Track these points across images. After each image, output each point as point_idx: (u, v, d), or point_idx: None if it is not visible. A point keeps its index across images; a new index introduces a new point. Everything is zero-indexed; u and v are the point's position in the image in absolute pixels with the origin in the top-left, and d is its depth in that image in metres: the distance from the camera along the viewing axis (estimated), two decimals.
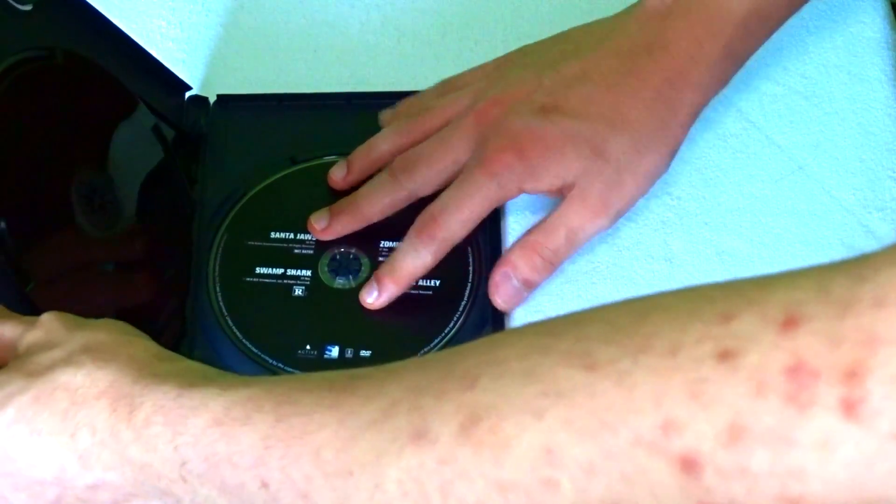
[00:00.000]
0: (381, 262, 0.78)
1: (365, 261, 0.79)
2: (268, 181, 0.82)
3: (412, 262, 0.76)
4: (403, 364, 0.55)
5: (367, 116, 0.85)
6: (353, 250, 0.79)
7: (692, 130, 0.85)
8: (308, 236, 0.80)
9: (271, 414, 0.53)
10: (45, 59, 0.71)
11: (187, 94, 0.85)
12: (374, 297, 0.77)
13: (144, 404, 0.56)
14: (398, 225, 0.80)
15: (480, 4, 0.91)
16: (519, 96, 0.77)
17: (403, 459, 0.50)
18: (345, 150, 0.83)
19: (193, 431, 0.54)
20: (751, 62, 0.87)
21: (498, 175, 0.75)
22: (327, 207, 0.80)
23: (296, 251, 0.79)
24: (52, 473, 0.57)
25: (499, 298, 0.77)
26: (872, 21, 0.90)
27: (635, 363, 0.47)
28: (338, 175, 0.81)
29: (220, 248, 0.79)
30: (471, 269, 0.79)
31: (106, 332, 0.60)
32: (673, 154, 0.78)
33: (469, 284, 0.79)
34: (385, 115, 0.83)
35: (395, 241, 0.79)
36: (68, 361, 0.58)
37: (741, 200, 0.83)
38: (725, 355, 0.46)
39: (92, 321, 0.62)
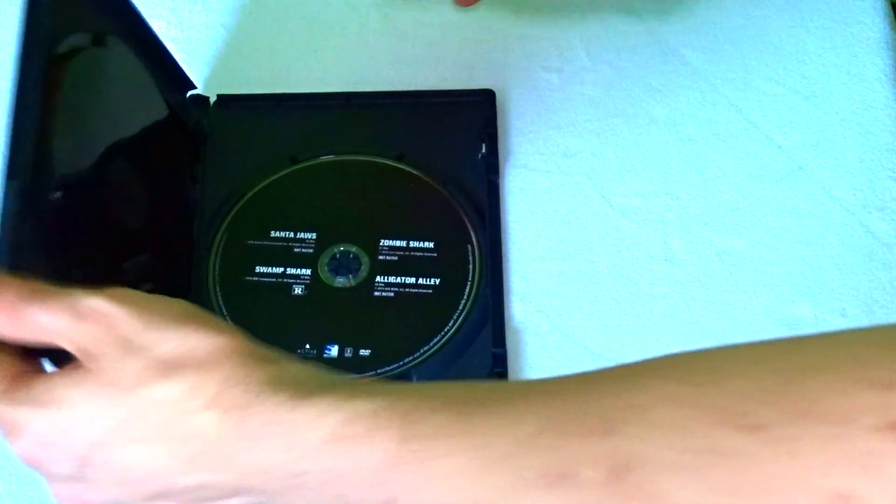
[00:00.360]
0: (381, 260, 0.78)
1: (365, 260, 0.79)
2: (268, 181, 0.82)
3: None
4: (529, 388, 0.53)
5: (367, 116, 0.85)
6: (353, 249, 0.79)
7: (692, 130, 0.85)
8: (308, 235, 0.80)
9: (396, 432, 0.52)
10: (92, 43, 0.70)
11: (188, 94, 0.85)
12: None
13: (257, 415, 0.53)
14: (399, 224, 0.80)
15: (480, 4, 0.91)
16: None
17: (546, 498, 0.50)
18: (345, 150, 0.83)
19: (312, 445, 0.53)
20: (751, 62, 0.88)
21: None
22: None
23: (296, 250, 0.79)
24: (156, 473, 0.55)
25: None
26: (872, 21, 0.90)
27: (804, 430, 0.46)
28: None
29: (220, 248, 0.79)
30: (471, 268, 0.79)
31: (193, 332, 0.56)
32: None
33: (469, 284, 0.79)
34: None
35: (396, 239, 0.79)
36: (164, 373, 0.54)
37: (741, 200, 0.83)
38: (894, 426, 0.45)
39: (165, 309, 0.56)
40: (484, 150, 0.83)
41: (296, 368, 0.55)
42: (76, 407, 0.55)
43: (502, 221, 0.82)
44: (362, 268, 0.79)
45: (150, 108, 0.77)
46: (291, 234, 0.80)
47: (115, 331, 0.55)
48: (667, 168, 0.84)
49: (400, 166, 0.83)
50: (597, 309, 0.79)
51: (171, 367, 0.54)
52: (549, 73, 0.87)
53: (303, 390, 0.54)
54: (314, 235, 0.80)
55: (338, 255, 0.79)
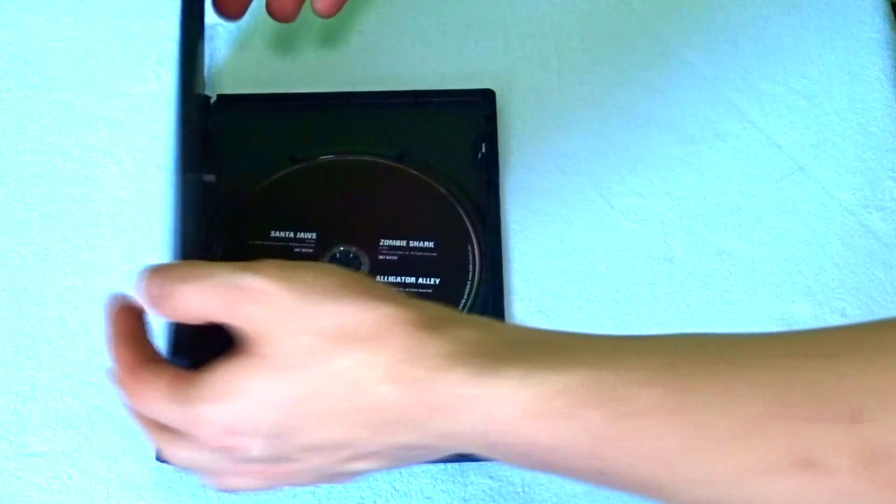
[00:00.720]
0: (381, 260, 0.78)
1: (365, 259, 0.79)
2: (268, 181, 0.82)
3: None
4: (741, 356, 0.52)
5: (367, 116, 0.85)
6: (353, 249, 0.79)
7: (692, 129, 0.85)
8: (308, 235, 0.80)
9: (598, 410, 0.51)
10: None
11: None
12: None
13: (438, 389, 0.53)
14: (399, 224, 0.80)
15: (480, 4, 0.91)
16: None
17: (789, 483, 0.49)
18: (345, 150, 0.83)
19: (507, 421, 0.52)
20: (751, 62, 0.88)
21: None
22: None
23: (296, 250, 0.79)
24: (346, 443, 0.55)
25: (319, 9, 0.76)
26: (872, 21, 0.90)
27: None
28: None
29: (221, 248, 0.79)
30: (471, 268, 0.79)
31: (352, 304, 0.55)
32: None
33: (469, 284, 0.79)
34: None
35: (396, 239, 0.79)
36: (331, 350, 0.55)
37: (741, 200, 0.83)
38: None
39: (321, 284, 0.56)
40: (484, 150, 0.83)
41: (469, 334, 0.54)
42: (255, 391, 0.55)
43: (502, 221, 0.82)
44: (362, 267, 0.79)
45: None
46: (291, 235, 0.80)
47: (275, 308, 0.55)
48: (667, 168, 0.84)
49: (400, 166, 0.83)
50: (597, 309, 0.79)
51: (337, 342, 0.54)
52: (549, 73, 0.87)
53: (484, 363, 0.53)
54: (314, 235, 0.80)
55: (338, 255, 0.79)
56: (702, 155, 0.85)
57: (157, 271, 0.59)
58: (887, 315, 0.78)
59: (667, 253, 0.81)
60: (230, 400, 0.56)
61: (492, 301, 0.78)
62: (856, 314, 0.79)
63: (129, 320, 0.62)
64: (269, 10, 0.77)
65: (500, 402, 0.52)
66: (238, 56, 0.89)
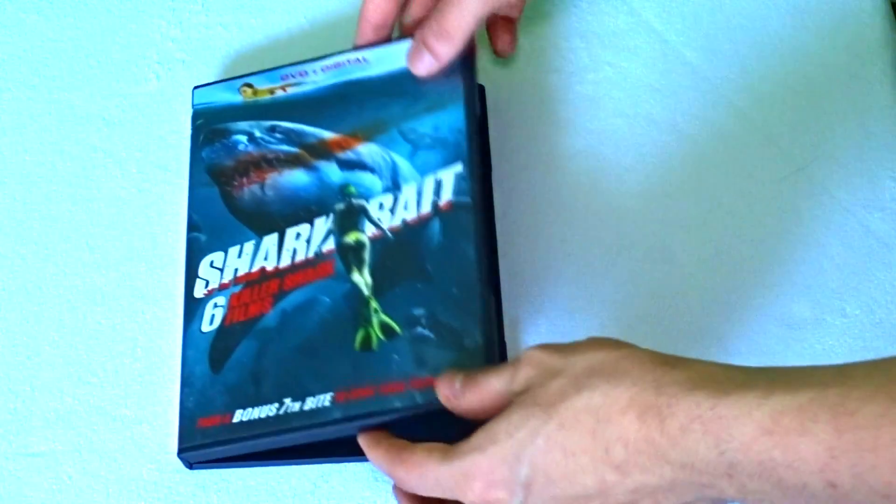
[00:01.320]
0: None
1: None
2: None
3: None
4: None
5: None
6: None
7: (692, 129, 0.85)
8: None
9: (829, 425, 0.55)
10: None
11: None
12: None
13: (676, 414, 0.58)
14: None
15: None
16: None
17: None
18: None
19: (741, 440, 0.56)
20: (751, 62, 0.88)
21: None
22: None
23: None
24: (594, 487, 0.60)
25: (418, 65, 0.80)
26: (872, 21, 0.90)
27: None
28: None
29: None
30: None
31: (599, 350, 0.63)
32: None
33: None
34: None
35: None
36: (579, 386, 0.61)
37: (741, 200, 0.83)
38: None
39: (576, 343, 0.65)
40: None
41: (702, 367, 0.60)
42: (515, 431, 0.63)
43: (501, 222, 0.82)
44: None
45: None
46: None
47: (541, 366, 0.64)
48: (667, 168, 0.84)
49: None
50: (597, 309, 0.79)
51: (584, 380, 0.61)
52: (549, 73, 0.87)
53: (719, 389, 0.57)
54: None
55: None
56: (702, 155, 0.85)
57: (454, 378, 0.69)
58: (888, 315, 0.79)
59: (667, 253, 0.81)
60: (494, 446, 0.63)
61: (492, 301, 0.78)
62: (856, 314, 0.79)
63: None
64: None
65: (738, 421, 0.56)
66: (238, 56, 0.89)
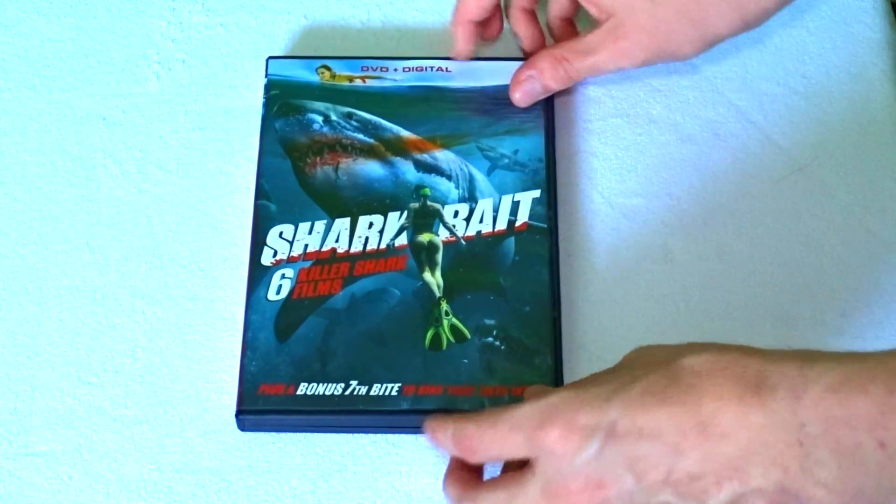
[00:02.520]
0: None
1: None
2: None
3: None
4: None
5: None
6: None
7: (691, 129, 0.85)
8: None
9: (883, 386, 0.59)
10: None
11: None
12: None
13: (769, 377, 0.61)
14: None
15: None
16: None
17: None
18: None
19: (812, 396, 0.59)
20: (751, 62, 0.88)
21: None
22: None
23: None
24: (676, 442, 0.61)
25: (518, 94, 0.83)
26: (872, 21, 0.90)
27: None
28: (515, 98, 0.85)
29: None
30: None
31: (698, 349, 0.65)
32: (708, 41, 0.80)
33: None
34: None
35: None
36: (691, 351, 0.63)
37: (741, 200, 0.83)
38: None
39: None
40: None
41: (793, 351, 0.63)
42: (607, 381, 0.65)
43: None
44: None
45: None
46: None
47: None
48: (667, 168, 0.84)
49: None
50: (597, 309, 0.79)
51: (696, 348, 0.64)
52: None
53: (806, 358, 0.61)
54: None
55: None
56: (702, 155, 0.85)
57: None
58: (888, 315, 0.79)
59: (667, 253, 0.81)
60: (582, 389, 0.64)
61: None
62: (855, 314, 0.79)
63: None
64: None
65: (810, 382, 0.60)
66: (238, 56, 0.89)
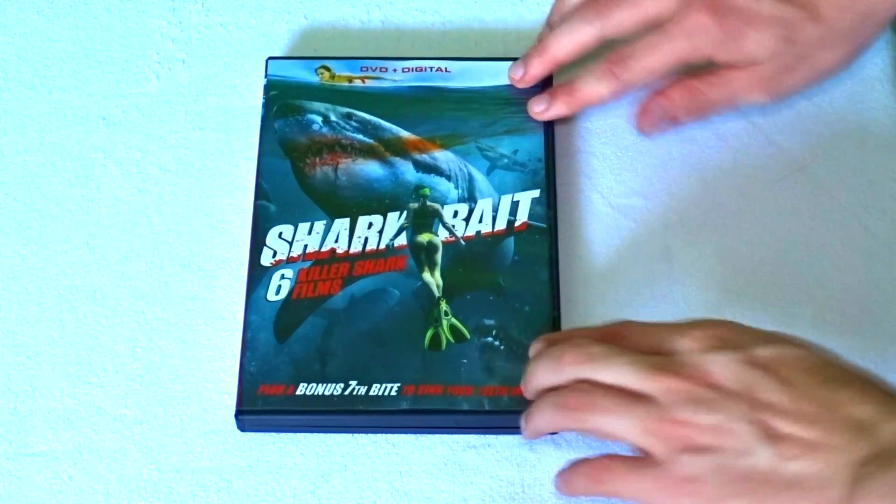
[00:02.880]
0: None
1: None
2: None
3: (589, 86, 0.81)
4: None
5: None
6: None
7: (692, 129, 0.85)
8: None
9: None
10: None
11: None
12: (542, 108, 0.82)
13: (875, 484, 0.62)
14: None
15: (480, 4, 0.91)
16: None
17: None
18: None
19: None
20: None
21: (693, 35, 0.78)
22: (523, 57, 0.84)
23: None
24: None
25: (645, 123, 0.83)
26: None
27: None
28: (516, 73, 0.84)
29: None
30: None
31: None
32: (854, 54, 0.80)
33: None
34: None
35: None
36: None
37: (741, 200, 0.83)
38: None
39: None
40: None
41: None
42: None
43: None
44: None
45: None
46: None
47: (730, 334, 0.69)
48: (667, 168, 0.84)
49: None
50: (597, 309, 0.79)
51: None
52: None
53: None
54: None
55: None
56: (702, 155, 0.84)
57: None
58: (888, 316, 0.79)
59: (667, 253, 0.81)
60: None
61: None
62: (855, 314, 0.79)
63: None
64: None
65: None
66: (238, 56, 0.89)
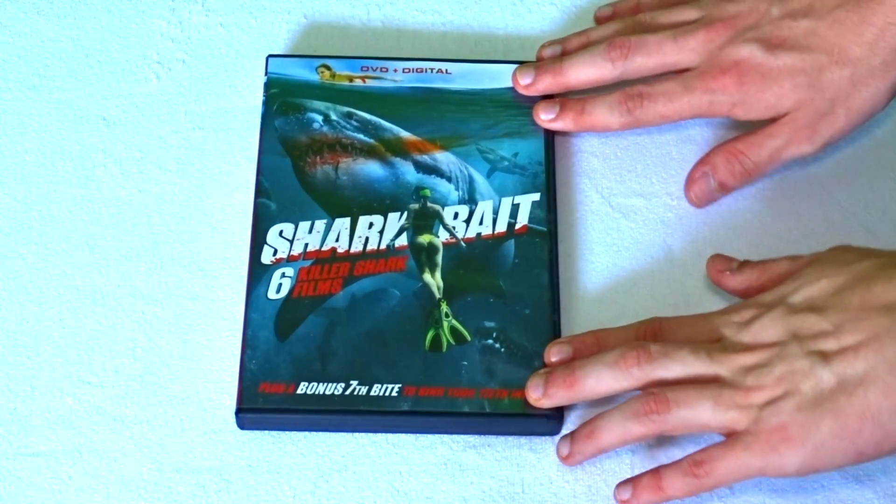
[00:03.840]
0: None
1: None
2: None
3: (601, 114, 0.82)
4: None
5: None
6: None
7: (692, 129, 0.85)
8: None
9: None
10: None
11: None
12: (550, 117, 0.83)
13: None
14: None
15: (481, 6, 0.91)
16: (748, 22, 0.81)
17: None
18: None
19: None
20: None
21: (712, 92, 0.80)
22: (534, 65, 0.84)
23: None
24: None
25: (692, 193, 0.83)
26: None
27: None
28: (524, 80, 0.85)
29: None
30: None
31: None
32: (892, 90, 0.80)
33: None
34: (603, 11, 0.87)
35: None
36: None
37: (741, 200, 0.83)
38: None
39: None
40: None
41: None
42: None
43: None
44: None
45: None
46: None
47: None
48: (667, 168, 0.84)
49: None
50: (597, 309, 0.79)
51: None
52: None
53: None
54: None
55: None
56: (702, 155, 0.84)
57: None
58: None
59: (667, 253, 0.81)
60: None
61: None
62: None
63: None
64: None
65: None
66: (238, 56, 0.89)
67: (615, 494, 0.72)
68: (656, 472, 0.71)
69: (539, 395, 0.74)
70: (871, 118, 0.81)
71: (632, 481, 0.71)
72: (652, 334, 0.74)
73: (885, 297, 0.68)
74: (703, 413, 0.69)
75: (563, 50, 0.85)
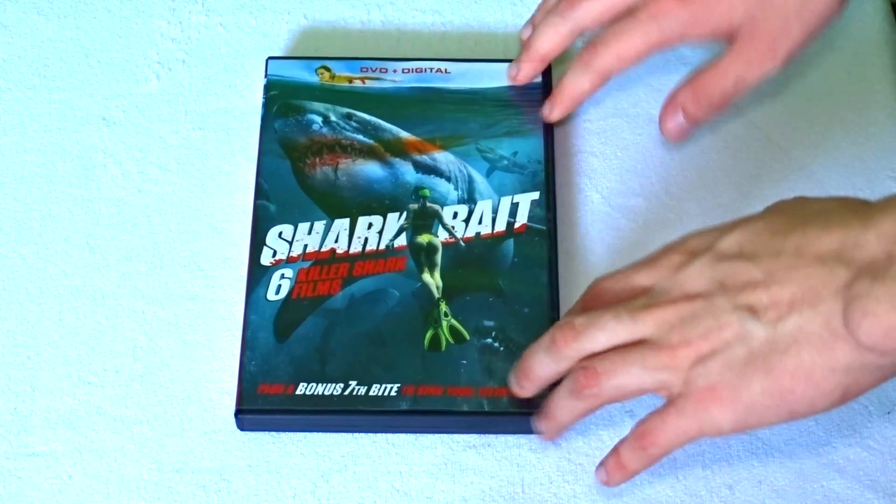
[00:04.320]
0: None
1: None
2: None
3: (570, 81, 0.81)
4: None
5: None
6: None
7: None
8: None
9: None
10: None
11: None
12: (548, 112, 0.83)
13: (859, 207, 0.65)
14: None
15: (480, 5, 0.91)
16: None
17: None
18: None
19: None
20: None
21: (659, 18, 0.79)
22: (516, 58, 0.85)
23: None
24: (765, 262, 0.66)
25: (666, 132, 0.81)
26: (872, 21, 0.90)
27: None
28: (511, 72, 0.85)
29: None
30: None
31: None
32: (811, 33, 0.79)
33: None
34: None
35: None
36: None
37: (741, 200, 0.83)
38: None
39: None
40: None
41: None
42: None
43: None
44: None
45: None
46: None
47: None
48: (667, 168, 0.84)
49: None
50: None
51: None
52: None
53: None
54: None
55: None
56: (702, 155, 0.84)
57: None
58: None
59: None
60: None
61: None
62: None
63: None
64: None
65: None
66: (238, 56, 0.89)
67: (596, 477, 0.71)
68: (615, 450, 0.69)
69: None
70: (828, 26, 0.79)
71: (603, 463, 0.70)
72: (591, 300, 0.72)
73: (819, 245, 0.64)
74: (634, 378, 0.67)
75: (532, 25, 0.85)
